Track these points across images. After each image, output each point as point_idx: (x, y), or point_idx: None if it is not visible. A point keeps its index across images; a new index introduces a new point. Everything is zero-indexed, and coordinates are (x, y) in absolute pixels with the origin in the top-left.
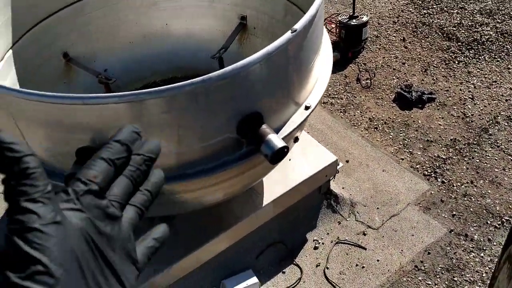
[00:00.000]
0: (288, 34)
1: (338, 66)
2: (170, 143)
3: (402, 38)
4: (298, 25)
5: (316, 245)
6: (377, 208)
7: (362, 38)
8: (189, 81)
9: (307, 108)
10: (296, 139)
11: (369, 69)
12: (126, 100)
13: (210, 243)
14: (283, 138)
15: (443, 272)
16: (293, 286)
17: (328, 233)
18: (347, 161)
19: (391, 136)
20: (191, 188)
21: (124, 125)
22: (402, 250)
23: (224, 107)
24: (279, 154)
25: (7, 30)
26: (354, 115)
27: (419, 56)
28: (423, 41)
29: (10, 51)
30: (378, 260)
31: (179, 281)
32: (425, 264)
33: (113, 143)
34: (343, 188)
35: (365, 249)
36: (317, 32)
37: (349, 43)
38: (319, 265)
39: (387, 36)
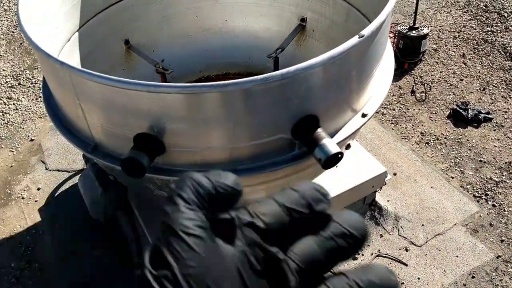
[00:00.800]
0: (354, 39)
1: (394, 76)
2: (224, 138)
3: (461, 54)
4: (366, 31)
5: (356, 256)
6: (422, 225)
7: (420, 50)
8: (250, 78)
9: (364, 115)
10: (348, 146)
11: (425, 82)
12: (188, 91)
13: None
14: (337, 143)
15: None
16: None
17: (369, 245)
18: (395, 174)
19: (442, 153)
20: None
21: (304, 181)
22: (445, 270)
23: (281, 107)
24: (332, 160)
25: (76, 12)
26: (406, 128)
27: (478, 74)
28: (483, 58)
29: (77, 33)
30: (418, 278)
31: None
32: None
33: (291, 191)
34: (388, 200)
35: (406, 265)
36: (382, 40)
37: (406, 54)
38: None
39: (446, 50)
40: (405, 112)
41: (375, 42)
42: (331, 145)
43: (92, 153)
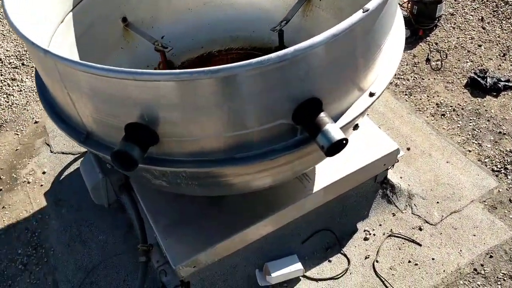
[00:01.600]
0: (358, 14)
1: (407, 44)
2: (219, 124)
3: (480, 17)
4: (371, 4)
5: (367, 236)
6: (437, 202)
7: (435, 15)
8: (245, 62)
9: (371, 95)
10: (356, 127)
11: (440, 49)
12: (178, 78)
13: (256, 226)
14: (342, 127)
15: (505, 278)
16: (339, 276)
17: (380, 225)
18: (408, 149)
19: (459, 125)
20: (239, 172)
21: None
22: (461, 250)
23: (280, 92)
24: (336, 147)
25: None
26: (420, 99)
27: (498, 39)
28: (503, 22)
29: (71, 13)
30: (433, 259)
31: (223, 259)
32: (485, 268)
33: None
34: (401, 177)
35: (420, 245)
36: (391, 11)
37: (421, 20)
38: (368, 258)
39: (464, 14)
40: (419, 82)
41: (382, 15)
42: (334, 131)
43: (85, 143)
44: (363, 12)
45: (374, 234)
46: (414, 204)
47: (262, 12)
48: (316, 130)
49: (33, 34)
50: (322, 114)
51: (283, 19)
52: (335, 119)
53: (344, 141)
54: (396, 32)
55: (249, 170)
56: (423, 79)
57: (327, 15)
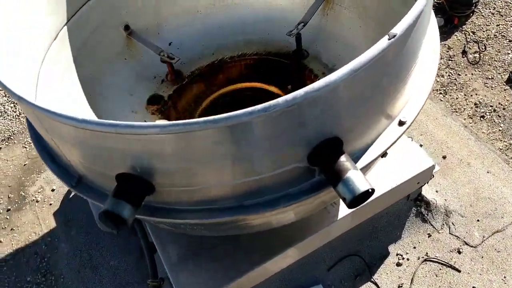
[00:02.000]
0: (382, 43)
1: (441, 35)
2: (223, 174)
3: None
4: (399, 28)
5: (400, 261)
6: (477, 220)
7: (472, 1)
8: (247, 109)
9: (401, 123)
10: (384, 154)
11: (478, 39)
12: (169, 131)
13: (278, 257)
14: (367, 165)
15: None
16: None
17: (415, 247)
18: (444, 157)
19: (500, 128)
20: (253, 217)
21: None
22: (504, 277)
23: (292, 135)
24: (360, 198)
25: (61, 4)
26: (457, 98)
27: None
28: None
29: (65, 27)
30: (474, 287)
31: None
32: None
33: None
34: (436, 191)
35: (459, 271)
36: (423, 25)
37: (456, 6)
38: (401, 286)
39: None
40: (455, 79)
41: (413, 35)
42: (358, 180)
43: (76, 188)
44: (389, 39)
45: (407, 259)
46: (452, 223)
47: (277, 11)
48: (336, 177)
49: (18, 61)
50: (343, 158)
51: (301, 20)
52: (359, 155)
53: (370, 191)
54: (429, 40)
55: (260, 216)
56: (459, 74)
57: (351, 14)
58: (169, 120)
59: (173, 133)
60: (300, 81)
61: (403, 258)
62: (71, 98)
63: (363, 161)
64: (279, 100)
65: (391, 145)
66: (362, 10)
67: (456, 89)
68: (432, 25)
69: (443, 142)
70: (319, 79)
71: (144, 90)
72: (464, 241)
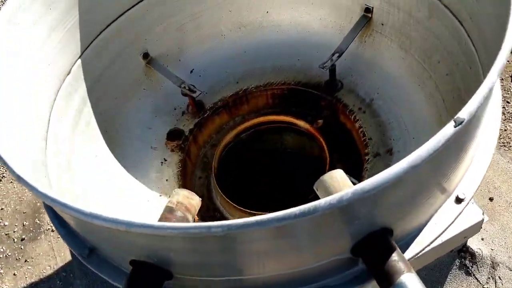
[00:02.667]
0: (448, 131)
1: None
2: (251, 268)
3: None
4: (465, 112)
5: None
6: None
7: None
8: (277, 214)
9: (459, 200)
10: None
11: None
12: (187, 234)
13: None
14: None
15: None
16: None
17: None
18: (491, 199)
19: None
20: None
21: None
22: None
23: (330, 234)
24: None
25: (74, 36)
26: (505, 130)
27: None
28: None
29: (79, 61)
30: None
31: None
32: None
33: None
34: (482, 239)
35: None
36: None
37: None
38: None
39: None
40: (504, 107)
41: (479, 113)
42: (413, 285)
43: (88, 260)
44: (455, 126)
45: None
46: (499, 277)
47: (309, 35)
48: (386, 280)
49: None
50: (394, 257)
51: (335, 50)
52: (409, 241)
53: None
54: (491, 107)
55: None
56: (508, 102)
57: (391, 43)
58: (189, 157)
59: (190, 236)
60: (333, 116)
61: None
62: (87, 136)
63: (414, 249)
64: (322, 202)
65: (448, 227)
66: (404, 40)
67: (505, 119)
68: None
69: (490, 182)
70: (355, 116)
71: (163, 123)
72: None
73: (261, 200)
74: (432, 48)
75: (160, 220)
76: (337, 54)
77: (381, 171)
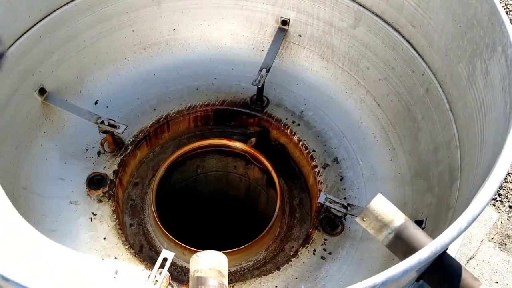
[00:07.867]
0: None
1: None
2: None
3: None
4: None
5: None
6: None
7: None
8: None
9: None
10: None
11: None
12: None
13: None
14: None
15: None
16: None
17: None
18: None
19: None
20: None
21: None
22: None
23: None
24: None
25: None
26: None
27: None
28: None
29: None
30: None
31: None
32: None
33: None
34: None
35: None
36: None
37: None
38: None
39: None
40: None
41: None
42: None
43: None
44: None
45: None
46: None
47: (222, 51)
48: None
49: None
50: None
51: (262, 66)
52: None
53: None
54: None
55: None
56: None
57: (310, 53)
58: (118, 204)
59: None
60: (265, 133)
61: None
62: None
63: None
64: None
65: None
66: (326, 50)
67: None
68: None
69: None
70: (290, 129)
71: (78, 170)
72: None
73: (202, 234)
74: (358, 56)
75: None
76: (265, 69)
77: (335, 182)
